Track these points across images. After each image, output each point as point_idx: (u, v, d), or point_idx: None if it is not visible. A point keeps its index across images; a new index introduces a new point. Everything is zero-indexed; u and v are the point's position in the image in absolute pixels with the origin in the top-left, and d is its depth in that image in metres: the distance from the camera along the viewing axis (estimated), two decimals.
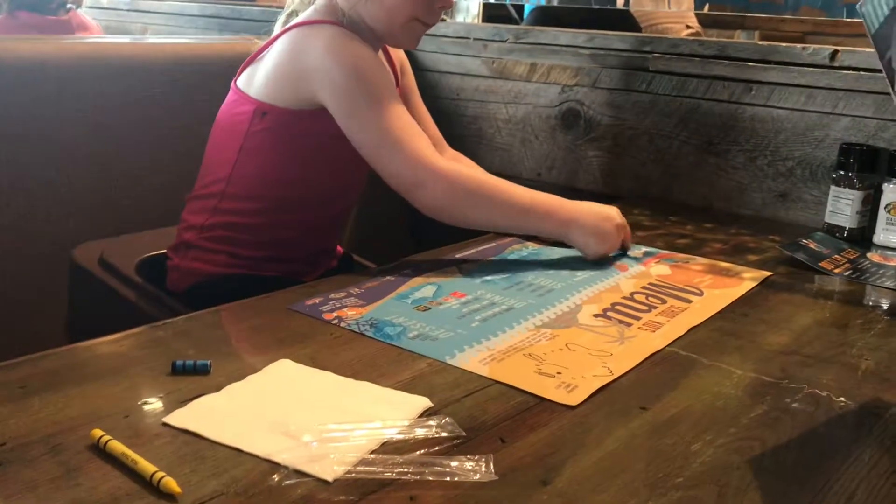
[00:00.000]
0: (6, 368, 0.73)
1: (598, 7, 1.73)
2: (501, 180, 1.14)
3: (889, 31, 0.74)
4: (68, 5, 2.10)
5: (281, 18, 1.21)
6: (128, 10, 2.65)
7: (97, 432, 0.61)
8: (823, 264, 1.14)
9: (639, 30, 2.52)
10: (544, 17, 2.60)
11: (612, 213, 1.13)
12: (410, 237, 1.91)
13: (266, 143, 1.12)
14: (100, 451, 0.60)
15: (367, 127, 1.08)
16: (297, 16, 1.17)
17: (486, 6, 2.54)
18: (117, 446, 0.60)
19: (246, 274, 1.14)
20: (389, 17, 1.13)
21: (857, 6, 0.77)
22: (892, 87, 0.75)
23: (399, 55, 1.32)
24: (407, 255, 1.12)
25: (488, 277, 1.02)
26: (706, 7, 1.57)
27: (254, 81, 1.14)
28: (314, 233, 1.21)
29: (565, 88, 1.65)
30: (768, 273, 1.10)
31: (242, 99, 1.14)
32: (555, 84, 1.66)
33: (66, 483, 0.56)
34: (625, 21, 2.49)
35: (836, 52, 1.34)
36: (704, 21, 3.11)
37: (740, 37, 3.17)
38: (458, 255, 1.11)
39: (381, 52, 1.24)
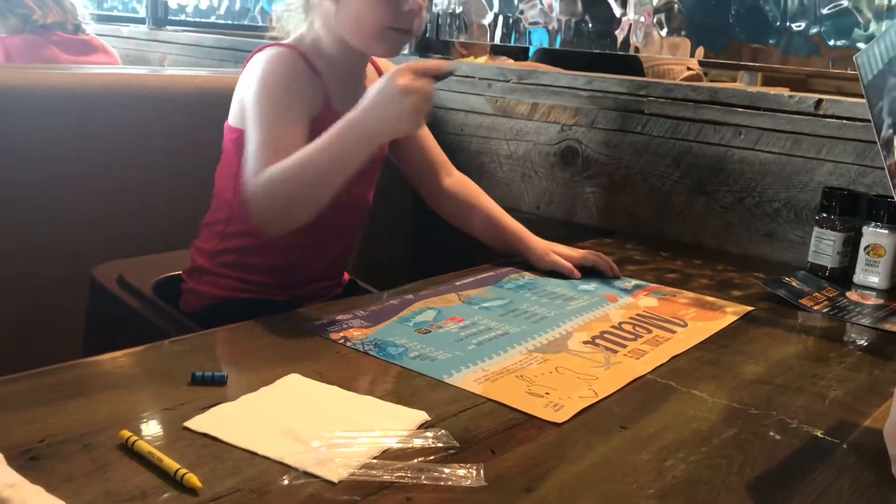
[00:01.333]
0: (42, 374, 0.79)
1: (610, 52, 1.81)
2: (295, 154, 1.04)
3: (882, 83, 0.80)
4: (83, 26, 2.20)
5: None
6: (147, 41, 2.74)
7: (125, 433, 0.67)
8: (803, 301, 1.21)
9: (642, 72, 2.60)
10: (548, 58, 2.69)
11: (389, 81, 0.99)
12: (415, 264, 1.98)
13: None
14: (128, 449, 0.66)
15: (249, 147, 1.09)
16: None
17: (492, 48, 2.64)
18: (144, 445, 0.66)
19: (256, 298, 1.20)
20: (360, 28, 1.15)
21: (854, 57, 0.83)
22: (879, 136, 0.80)
23: None
24: (411, 281, 1.19)
25: (486, 304, 1.09)
26: (699, 52, 1.65)
27: (230, 109, 1.21)
28: (319, 257, 1.26)
29: (564, 127, 1.73)
30: (750, 308, 1.16)
31: (228, 128, 1.21)
32: (555, 123, 1.74)
33: (99, 477, 0.63)
34: (631, 65, 2.57)
35: (820, 100, 1.42)
36: (708, 62, 3.20)
37: (743, 77, 3.26)
38: (457, 283, 1.17)
39: (371, 73, 1.28)
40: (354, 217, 1.29)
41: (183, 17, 2.89)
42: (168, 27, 2.85)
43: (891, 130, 0.76)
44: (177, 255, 1.32)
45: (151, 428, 0.71)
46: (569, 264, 1.26)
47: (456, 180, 1.38)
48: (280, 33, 1.25)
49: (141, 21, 2.93)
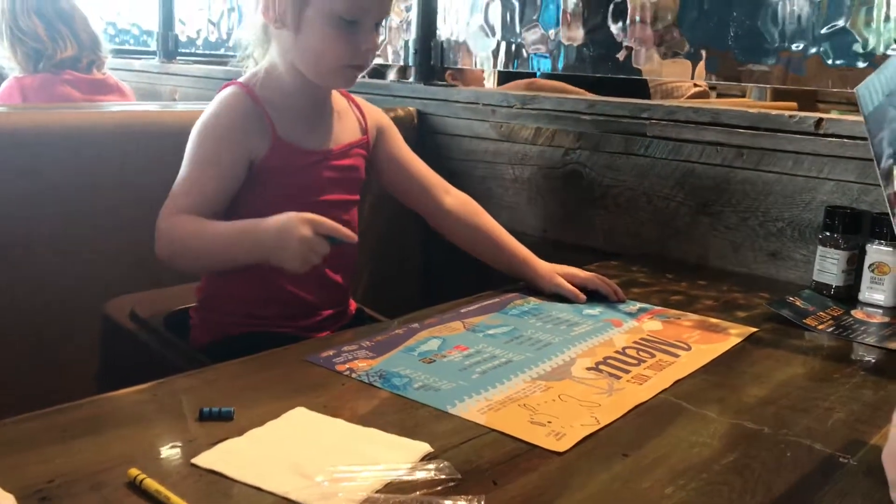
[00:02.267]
0: (48, 415, 0.81)
1: (621, 77, 1.83)
2: (206, 222, 1.13)
3: (882, 115, 0.80)
4: (97, 64, 2.20)
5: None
6: (158, 73, 2.79)
7: (134, 471, 0.69)
8: (808, 321, 1.21)
9: (648, 91, 2.62)
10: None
11: (284, 220, 1.07)
12: (424, 289, 2.00)
13: (239, 204, 1.20)
14: (136, 488, 0.68)
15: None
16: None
17: (500, 74, 2.67)
18: (152, 484, 0.67)
19: (263, 332, 1.21)
20: (318, 63, 1.19)
21: (855, 89, 0.84)
22: (879, 166, 0.80)
23: (377, 119, 1.37)
24: (421, 308, 1.20)
25: (490, 332, 1.10)
26: (700, 73, 1.67)
27: None
28: (319, 288, 1.27)
29: (569, 151, 1.74)
30: (754, 329, 1.17)
31: None
32: (559, 147, 1.76)
33: None
34: (636, 84, 2.59)
35: (820, 120, 1.42)
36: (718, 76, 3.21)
37: (753, 92, 3.28)
38: (462, 310, 1.19)
39: (348, 109, 1.32)
40: (349, 246, 1.29)
41: (193, 50, 2.93)
42: (178, 59, 2.89)
43: (891, 161, 0.77)
44: (188, 287, 1.34)
45: (160, 465, 0.72)
46: (573, 289, 1.27)
47: (456, 199, 1.40)
48: (241, 63, 1.29)
49: (152, 54, 2.98)
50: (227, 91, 1.21)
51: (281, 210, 1.13)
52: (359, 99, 1.37)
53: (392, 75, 2.67)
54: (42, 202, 1.39)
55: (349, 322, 1.34)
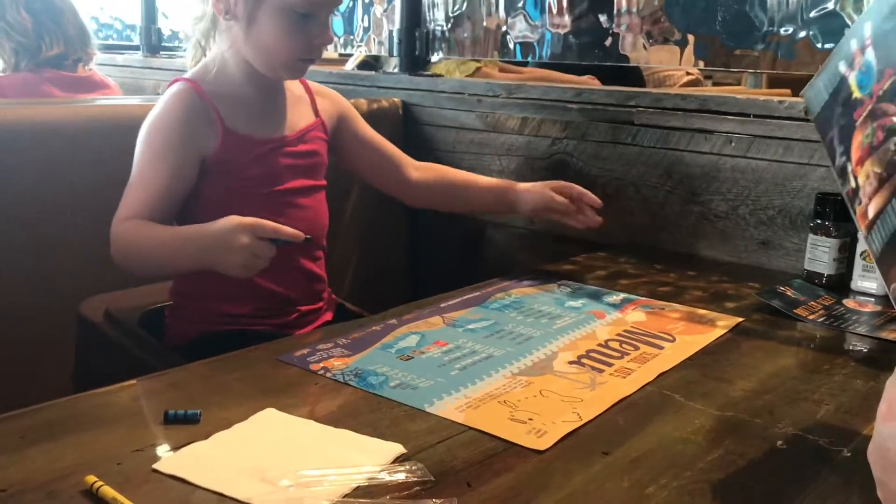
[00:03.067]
0: (6, 420, 0.78)
1: (615, 65, 1.80)
2: (157, 227, 1.12)
3: (830, 114, 0.79)
4: (81, 62, 2.15)
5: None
6: (141, 68, 2.75)
7: (90, 478, 0.66)
8: (798, 311, 1.19)
9: (643, 79, 2.59)
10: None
11: (224, 227, 1.05)
12: (409, 283, 1.97)
13: (199, 200, 1.18)
14: (92, 496, 0.65)
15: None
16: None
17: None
18: (108, 491, 0.64)
19: (239, 330, 1.19)
20: (270, 56, 1.17)
21: (802, 92, 0.83)
22: (834, 165, 0.79)
23: (335, 103, 1.36)
24: (405, 302, 1.17)
25: (471, 326, 1.07)
26: (688, 60, 1.64)
27: None
28: (291, 280, 1.24)
29: (555, 141, 1.71)
30: (740, 319, 1.14)
31: None
32: (545, 137, 1.72)
33: None
34: (631, 73, 2.55)
35: None
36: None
37: (748, 80, 3.24)
38: (442, 305, 1.16)
39: (302, 95, 1.30)
40: (314, 232, 1.25)
41: (176, 44, 2.89)
42: (162, 54, 2.85)
43: (843, 158, 0.75)
44: (164, 286, 1.31)
45: (120, 471, 0.69)
46: (565, 201, 1.36)
47: (423, 171, 1.43)
48: (187, 55, 1.27)
49: (135, 49, 2.94)
50: (174, 88, 1.19)
51: (240, 202, 1.13)
52: (311, 83, 1.35)
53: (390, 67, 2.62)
54: (14, 201, 1.36)
55: (331, 319, 1.31)
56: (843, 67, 0.78)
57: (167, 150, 1.15)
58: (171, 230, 1.13)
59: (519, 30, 1.92)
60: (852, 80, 0.77)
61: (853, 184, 0.73)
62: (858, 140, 0.74)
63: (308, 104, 1.31)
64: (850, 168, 0.74)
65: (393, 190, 1.43)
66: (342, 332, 1.04)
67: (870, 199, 0.71)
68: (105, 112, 1.53)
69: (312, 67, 1.25)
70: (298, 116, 1.27)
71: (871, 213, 0.71)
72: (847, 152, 0.74)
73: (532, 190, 1.39)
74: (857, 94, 0.76)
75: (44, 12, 2.05)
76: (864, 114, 0.74)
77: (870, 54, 0.75)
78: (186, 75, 1.21)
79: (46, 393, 0.85)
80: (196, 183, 1.17)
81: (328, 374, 0.91)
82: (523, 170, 1.76)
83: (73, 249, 1.42)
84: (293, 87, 1.30)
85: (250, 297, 1.20)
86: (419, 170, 1.43)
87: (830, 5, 1.42)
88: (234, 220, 1.04)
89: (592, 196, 1.37)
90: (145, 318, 1.28)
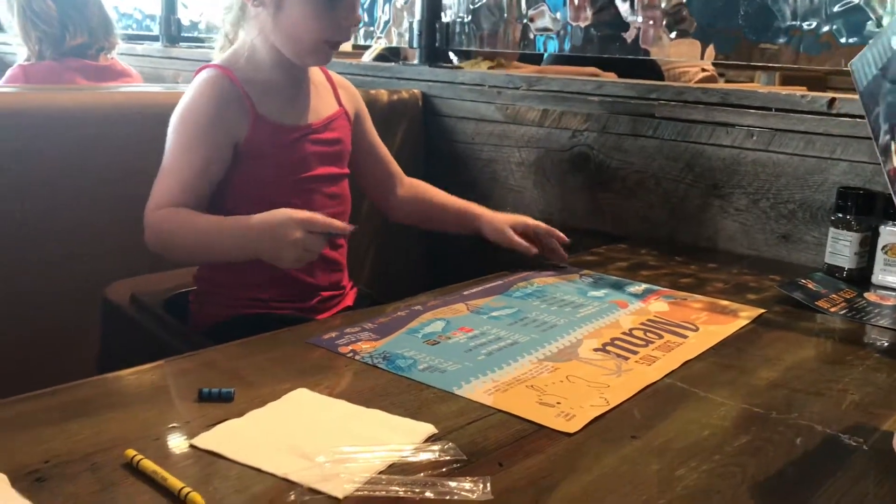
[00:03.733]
0: (47, 395, 0.79)
1: (631, 57, 1.81)
2: (197, 215, 1.13)
3: (877, 89, 0.79)
4: (104, 52, 2.16)
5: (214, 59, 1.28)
6: (161, 58, 2.77)
7: (130, 452, 0.67)
8: (820, 303, 1.19)
9: (662, 74, 2.59)
10: (563, 63, 2.69)
11: (281, 219, 1.05)
12: (427, 273, 1.98)
13: (228, 186, 1.19)
14: (133, 469, 0.66)
15: (160, 170, 1.16)
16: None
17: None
18: (149, 465, 0.66)
19: (264, 314, 1.20)
20: (297, 40, 1.18)
21: (849, 64, 0.83)
22: (877, 143, 0.79)
23: (354, 99, 1.37)
24: (424, 291, 1.18)
25: (495, 313, 1.08)
26: (710, 54, 1.64)
27: None
28: (313, 266, 1.24)
29: (576, 133, 1.72)
30: (762, 310, 1.15)
31: None
32: (566, 129, 1.73)
33: (104, 497, 0.62)
34: (650, 68, 2.55)
35: (833, 99, 1.40)
36: (722, 63, 3.18)
37: (761, 77, 3.24)
38: (466, 292, 1.17)
39: (324, 83, 1.31)
40: (340, 220, 1.26)
41: (196, 34, 2.91)
42: (181, 44, 2.87)
43: (888, 136, 0.75)
44: (188, 271, 1.32)
45: (158, 446, 0.71)
46: (522, 242, 1.32)
47: (408, 187, 1.44)
48: (216, 45, 1.28)
49: (155, 39, 2.96)
50: (204, 75, 1.19)
51: (269, 190, 1.15)
52: (333, 74, 1.36)
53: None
54: (41, 186, 1.37)
55: (351, 305, 1.32)
56: (895, 41, 0.77)
57: (201, 137, 1.16)
58: (213, 219, 1.12)
59: (540, 22, 1.93)
60: None
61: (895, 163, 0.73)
62: None
63: (331, 93, 1.32)
64: (893, 147, 0.74)
65: (380, 203, 1.44)
66: (368, 316, 1.05)
67: None
68: (129, 99, 1.54)
69: (332, 58, 1.26)
70: (323, 105, 1.29)
71: None
72: (892, 131, 0.74)
73: (494, 223, 1.35)
74: None
75: (68, 2, 2.07)
76: None
77: None
78: (215, 62, 1.22)
79: (72, 376, 0.86)
80: (225, 171, 1.18)
81: (357, 357, 0.92)
82: (543, 161, 1.77)
83: (99, 234, 1.43)
84: (316, 76, 1.31)
85: (274, 283, 1.21)
86: (403, 187, 1.44)
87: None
88: (285, 213, 1.05)
89: (559, 234, 1.34)
90: (170, 302, 1.29)
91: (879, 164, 1.35)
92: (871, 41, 0.80)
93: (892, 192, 0.74)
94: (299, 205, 1.09)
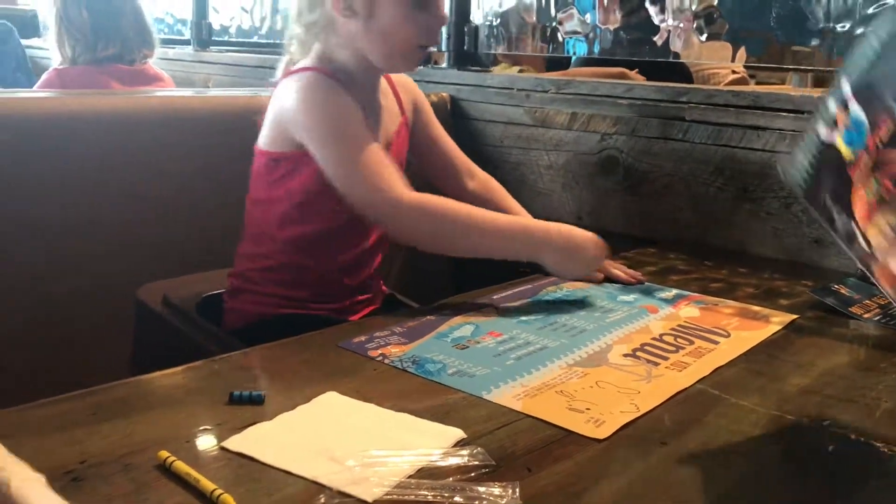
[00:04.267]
0: (79, 397, 0.80)
1: (660, 60, 1.80)
2: (472, 207, 1.16)
3: (818, 187, 0.76)
4: (139, 60, 2.19)
5: (280, 66, 1.28)
6: (192, 62, 2.80)
7: (164, 453, 0.68)
8: (853, 309, 1.18)
9: (691, 77, 2.57)
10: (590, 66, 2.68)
11: (585, 235, 1.16)
12: (454, 277, 1.98)
13: (283, 188, 1.20)
14: (166, 470, 0.67)
15: (336, 163, 1.13)
16: (293, 65, 1.24)
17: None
18: (181, 466, 0.66)
19: (294, 314, 1.21)
20: (390, 48, 1.18)
21: (780, 167, 0.80)
22: (837, 234, 0.75)
23: (412, 93, 1.37)
24: (451, 295, 1.18)
25: (524, 318, 1.08)
26: (741, 56, 1.64)
27: (262, 133, 1.22)
28: (351, 268, 1.26)
29: (605, 136, 1.71)
30: (794, 316, 1.13)
31: (258, 151, 1.23)
32: (594, 132, 1.73)
33: (138, 498, 0.63)
34: (679, 70, 2.54)
35: None
36: (753, 66, 3.16)
37: (793, 79, 3.20)
38: (495, 297, 1.17)
39: (388, 92, 1.31)
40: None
41: (226, 38, 2.94)
42: (212, 48, 2.90)
43: (848, 221, 0.71)
44: (220, 273, 1.33)
45: (190, 448, 0.71)
46: (622, 275, 1.28)
47: (480, 183, 1.42)
48: (295, 54, 1.26)
49: (186, 43, 2.99)
50: (311, 75, 1.16)
51: (323, 197, 1.16)
52: (393, 77, 1.35)
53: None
54: (76, 188, 1.40)
55: (380, 307, 1.33)
56: (824, 132, 0.75)
57: (358, 125, 1.14)
58: (504, 217, 1.17)
59: (569, 25, 1.93)
60: (839, 141, 0.74)
61: (866, 247, 0.71)
62: (861, 196, 0.72)
63: (394, 101, 1.32)
64: (857, 230, 0.71)
65: (443, 192, 1.38)
66: (397, 320, 1.06)
67: (888, 254, 0.68)
68: (164, 104, 1.57)
69: None
70: (390, 118, 1.30)
71: None
72: (849, 213, 0.71)
73: None
74: (848, 154, 0.73)
75: (104, 13, 2.09)
76: (862, 169, 0.71)
77: (855, 109, 0.72)
78: (304, 64, 1.21)
79: (105, 376, 0.87)
80: (297, 166, 1.17)
81: (386, 361, 0.92)
82: (572, 165, 1.77)
83: (132, 236, 1.45)
84: (386, 89, 1.31)
85: (308, 283, 1.22)
86: (474, 180, 1.42)
87: (890, 0, 1.41)
88: (585, 232, 1.16)
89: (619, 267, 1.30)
90: (202, 305, 1.30)
91: None
92: (795, 146, 0.79)
93: (873, 278, 0.71)
94: (340, 212, 1.12)
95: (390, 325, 1.04)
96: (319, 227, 1.22)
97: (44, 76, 2.14)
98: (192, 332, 1.26)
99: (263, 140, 1.22)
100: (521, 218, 1.16)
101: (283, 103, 1.17)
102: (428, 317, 1.07)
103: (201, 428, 0.76)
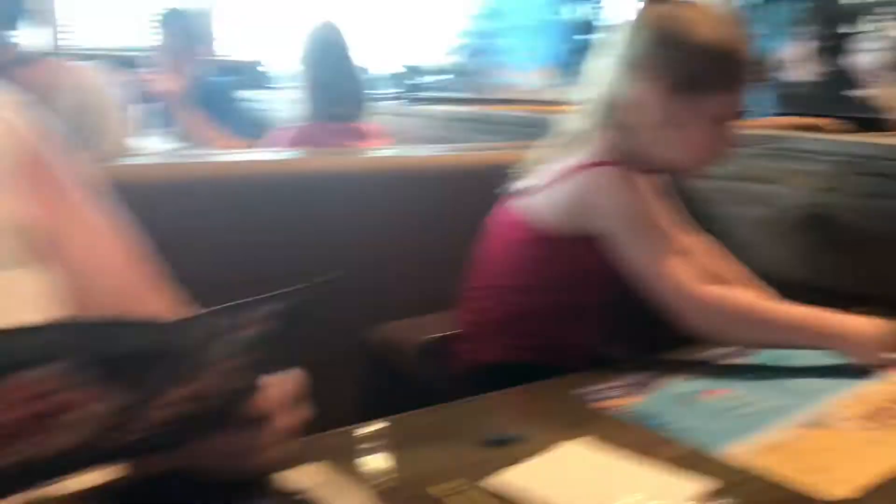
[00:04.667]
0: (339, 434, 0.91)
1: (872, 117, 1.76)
2: (767, 304, 1.21)
3: None
4: (358, 119, 2.35)
5: (557, 148, 1.32)
6: (397, 116, 2.97)
7: (434, 489, 0.77)
8: None
9: (883, 125, 2.47)
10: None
11: (876, 328, 1.14)
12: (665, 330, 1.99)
13: (540, 262, 1.27)
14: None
15: (636, 259, 1.20)
16: (575, 148, 1.28)
17: None
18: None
19: (519, 363, 1.27)
20: (690, 156, 1.26)
21: None
22: None
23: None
24: (658, 350, 1.22)
25: (749, 375, 1.11)
26: None
27: (538, 210, 1.28)
28: (582, 328, 1.31)
29: (814, 193, 1.68)
30: None
31: (524, 223, 1.29)
32: (803, 188, 1.70)
33: None
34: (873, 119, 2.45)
35: None
36: None
37: None
38: (716, 352, 1.19)
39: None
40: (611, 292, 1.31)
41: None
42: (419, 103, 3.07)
43: None
44: (442, 316, 1.41)
45: (452, 486, 0.79)
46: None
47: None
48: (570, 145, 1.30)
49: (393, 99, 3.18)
50: (613, 170, 1.23)
51: (585, 288, 1.27)
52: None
53: None
54: (318, 242, 1.53)
55: (593, 359, 1.37)
56: None
57: (654, 216, 1.23)
58: (799, 311, 1.18)
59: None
60: None
61: None
62: None
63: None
64: None
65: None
66: (622, 373, 1.11)
67: None
68: (392, 162, 1.71)
69: None
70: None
71: None
72: None
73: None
74: None
75: (340, 74, 2.27)
76: None
77: None
78: (594, 157, 1.25)
79: (333, 420, 0.93)
80: (591, 244, 1.23)
81: (616, 412, 0.98)
82: (778, 221, 1.75)
83: (360, 283, 1.58)
84: None
85: (540, 336, 1.29)
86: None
87: None
88: (876, 323, 1.15)
89: None
90: (426, 347, 1.40)
91: None
92: None
93: None
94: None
95: (615, 378, 1.09)
96: (568, 298, 1.28)
97: (273, 133, 2.34)
98: (417, 375, 1.36)
99: (544, 219, 1.27)
100: (811, 313, 1.17)
101: (588, 196, 1.23)
102: (653, 371, 1.11)
103: (459, 466, 0.83)
